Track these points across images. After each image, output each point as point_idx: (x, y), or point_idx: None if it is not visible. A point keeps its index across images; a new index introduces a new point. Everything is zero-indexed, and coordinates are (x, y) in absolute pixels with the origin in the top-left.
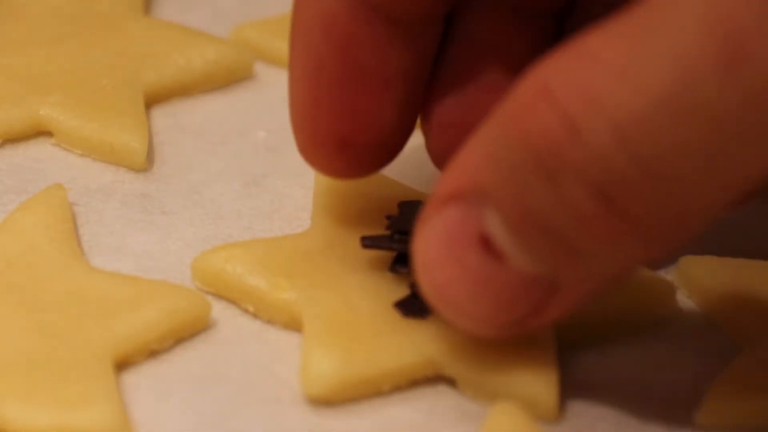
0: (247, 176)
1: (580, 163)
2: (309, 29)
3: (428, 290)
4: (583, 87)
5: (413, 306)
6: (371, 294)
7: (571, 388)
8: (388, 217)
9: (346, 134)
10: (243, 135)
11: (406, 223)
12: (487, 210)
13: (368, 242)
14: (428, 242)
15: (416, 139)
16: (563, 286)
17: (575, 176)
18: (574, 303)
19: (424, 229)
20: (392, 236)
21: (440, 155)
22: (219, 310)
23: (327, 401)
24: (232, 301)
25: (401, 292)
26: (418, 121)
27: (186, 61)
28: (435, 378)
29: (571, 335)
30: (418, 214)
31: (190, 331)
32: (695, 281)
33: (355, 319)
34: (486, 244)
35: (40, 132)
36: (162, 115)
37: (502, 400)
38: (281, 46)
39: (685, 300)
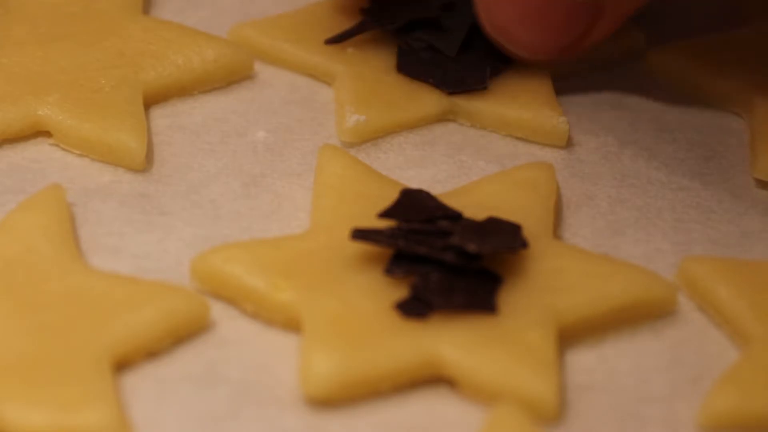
0: (247, 176)
1: None
2: None
3: (489, 29)
4: None
5: (414, 307)
6: (371, 294)
7: (571, 389)
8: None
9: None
10: (242, 135)
11: (400, 211)
12: None
13: (358, 234)
14: None
15: (419, 141)
16: (606, 10)
17: None
18: (614, 25)
19: None
20: (384, 231)
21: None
22: (218, 310)
23: (326, 402)
24: (230, 302)
25: (401, 292)
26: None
27: (185, 61)
28: (435, 378)
29: (571, 335)
30: (419, 203)
31: (188, 331)
32: (696, 281)
33: (354, 319)
34: None
35: (38, 132)
36: (161, 115)
37: (502, 401)
38: (281, 45)
39: (685, 300)
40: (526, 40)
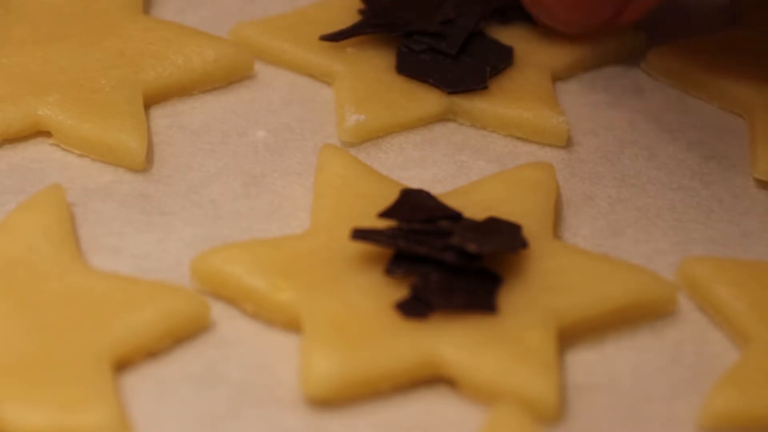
0: (247, 176)
1: None
2: None
3: (530, 5)
4: None
5: (414, 307)
6: (371, 294)
7: (571, 389)
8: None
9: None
10: (242, 135)
11: (400, 211)
12: None
13: (358, 234)
14: None
15: (419, 141)
16: None
17: None
18: (649, 5)
19: None
20: (385, 231)
21: None
22: (218, 310)
23: (326, 402)
24: (231, 302)
25: (401, 292)
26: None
27: (185, 61)
28: (435, 378)
29: (571, 335)
30: (419, 203)
31: (188, 331)
32: (696, 282)
33: (354, 319)
34: None
35: (38, 132)
36: (161, 115)
37: (502, 401)
38: (281, 45)
39: (685, 300)
40: (563, 18)
